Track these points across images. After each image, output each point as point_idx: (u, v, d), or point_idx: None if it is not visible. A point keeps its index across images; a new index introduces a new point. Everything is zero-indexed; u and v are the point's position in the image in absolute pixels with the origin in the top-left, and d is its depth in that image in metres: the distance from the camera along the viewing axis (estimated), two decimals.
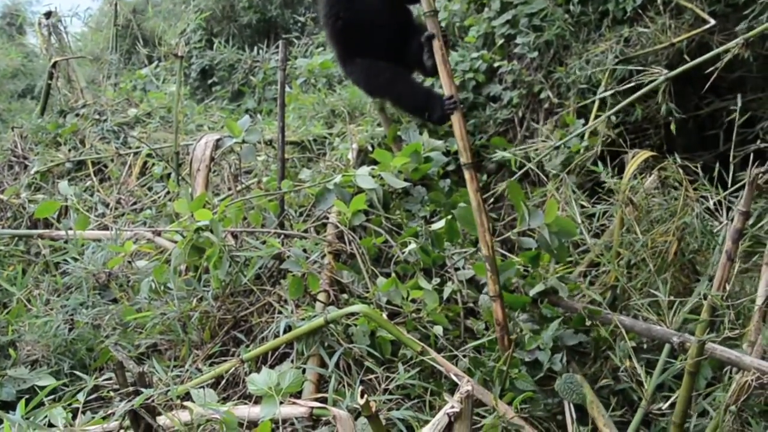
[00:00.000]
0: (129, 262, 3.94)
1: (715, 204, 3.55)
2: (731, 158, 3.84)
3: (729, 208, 3.49)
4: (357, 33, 3.93)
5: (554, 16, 5.65)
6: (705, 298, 2.78)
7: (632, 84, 4.51)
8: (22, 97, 9.79)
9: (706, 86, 4.22)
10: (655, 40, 5.16)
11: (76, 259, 4.02)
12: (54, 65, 6.13)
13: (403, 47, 4.10)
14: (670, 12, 5.18)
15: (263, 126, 5.52)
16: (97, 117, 5.90)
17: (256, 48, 7.79)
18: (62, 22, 6.36)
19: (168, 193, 4.95)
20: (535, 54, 5.78)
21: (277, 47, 7.73)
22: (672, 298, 3.11)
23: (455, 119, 3.10)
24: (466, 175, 3.03)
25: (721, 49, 4.09)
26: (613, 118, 4.64)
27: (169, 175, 5.02)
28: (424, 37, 3.36)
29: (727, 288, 2.74)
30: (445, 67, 3.15)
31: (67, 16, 6.74)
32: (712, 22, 4.80)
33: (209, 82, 8.19)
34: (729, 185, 3.68)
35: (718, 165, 3.74)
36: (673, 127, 4.51)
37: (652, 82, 4.29)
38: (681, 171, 3.55)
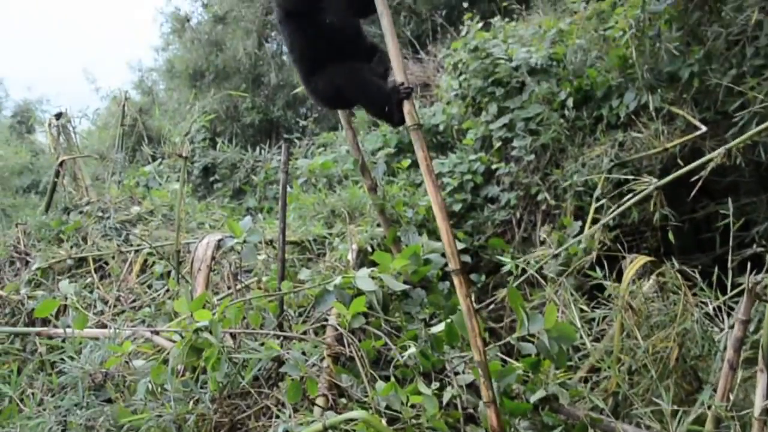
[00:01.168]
0: (126, 361, 3.90)
1: (714, 309, 3.55)
2: (729, 262, 3.87)
3: (729, 314, 3.49)
4: (320, 48, 3.70)
5: (550, 121, 5.81)
6: (709, 408, 2.75)
7: (627, 188, 4.58)
8: (27, 192, 9.91)
9: (698, 191, 4.27)
10: (648, 144, 5.28)
11: (72, 358, 3.98)
12: (61, 164, 6.24)
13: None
14: (663, 118, 5.33)
15: (264, 225, 5.58)
16: (100, 214, 5.95)
17: (258, 148, 7.95)
18: (71, 122, 6.52)
19: (168, 291, 4.94)
20: (532, 157, 5.91)
21: (279, 147, 7.91)
22: (675, 406, 3.07)
23: (442, 227, 3.12)
24: (455, 281, 3.04)
25: (708, 157, 4.19)
26: (610, 221, 4.69)
27: (169, 273, 5.03)
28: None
29: (731, 397, 2.71)
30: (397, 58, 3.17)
31: (77, 116, 6.91)
32: (704, 128, 4.93)
33: (211, 179, 8.31)
34: (728, 290, 3.69)
35: (716, 269, 3.76)
36: (671, 235, 4.57)
37: (644, 189, 4.36)
38: (679, 276, 3.57)
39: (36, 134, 13.14)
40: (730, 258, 3.95)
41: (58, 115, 6.50)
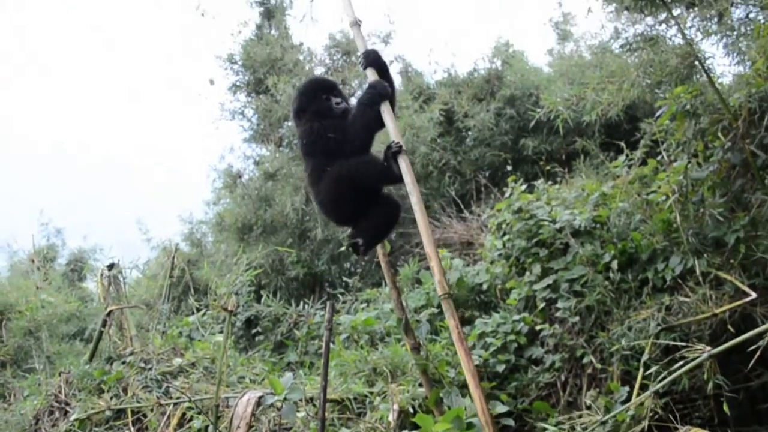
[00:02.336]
0: None
1: None
2: None
3: None
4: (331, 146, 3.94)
5: (594, 282, 5.78)
6: None
7: (678, 355, 4.46)
8: (73, 339, 10.03)
9: (753, 360, 4.15)
10: (696, 309, 5.19)
11: None
12: (109, 313, 6.37)
13: None
14: (710, 283, 5.26)
15: (305, 381, 5.53)
16: (142, 365, 5.99)
17: (301, 302, 8.02)
18: (122, 272, 6.72)
19: None
20: (577, 318, 5.83)
21: (323, 302, 7.96)
22: None
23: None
24: None
25: (762, 328, 4.09)
26: (660, 388, 4.55)
27: (207, 428, 4.97)
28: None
29: None
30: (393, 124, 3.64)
31: (128, 267, 7.13)
32: (753, 295, 4.85)
33: (253, 332, 8.33)
34: None
35: None
36: (725, 406, 4.40)
37: (696, 357, 4.25)
38: None
39: (87, 282, 13.51)
40: None
41: (111, 266, 6.71)
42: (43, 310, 9.24)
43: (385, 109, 3.82)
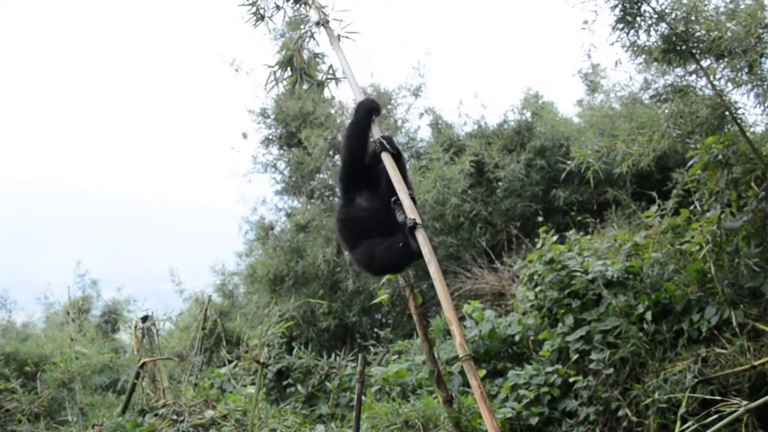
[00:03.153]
0: None
1: None
2: None
3: None
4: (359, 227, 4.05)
5: (628, 334, 5.72)
6: None
7: (712, 409, 4.38)
8: (105, 390, 10.08)
9: None
10: (734, 361, 5.10)
11: None
12: (142, 365, 6.41)
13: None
14: (747, 334, 5.18)
15: None
16: (174, 417, 6.00)
17: (333, 354, 8.01)
18: (155, 325, 6.78)
19: None
20: (611, 370, 5.76)
21: (354, 354, 7.94)
22: None
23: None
24: None
25: None
26: None
27: None
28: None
29: None
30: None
31: (161, 319, 7.18)
32: None
33: (284, 383, 8.31)
34: None
35: None
36: None
37: (733, 411, 4.16)
38: None
39: (120, 333, 13.62)
40: None
41: (145, 318, 6.78)
42: (77, 361, 9.30)
43: (395, 176, 3.81)
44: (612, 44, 5.68)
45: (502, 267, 9.47)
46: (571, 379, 5.97)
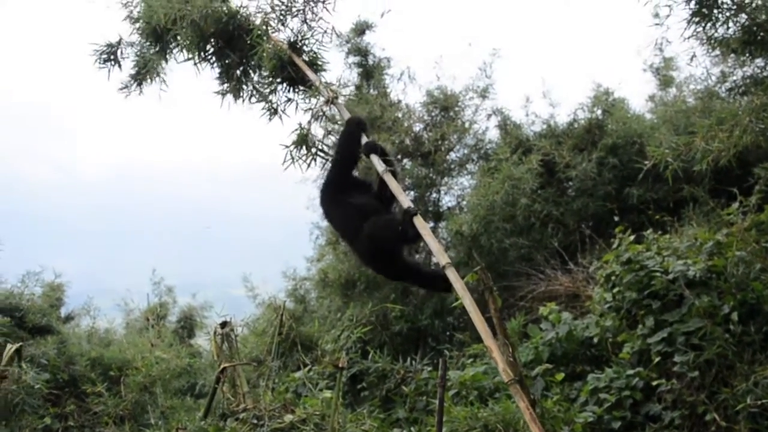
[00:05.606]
0: None
1: None
2: None
3: None
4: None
5: (713, 335, 5.56)
6: None
7: None
8: (183, 394, 10.33)
9: None
10: None
11: None
12: (222, 370, 6.53)
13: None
14: None
15: None
16: (255, 421, 6.09)
17: (408, 358, 8.00)
18: (233, 330, 6.90)
19: None
20: (696, 373, 5.60)
21: (430, 357, 7.92)
22: None
23: None
24: None
25: None
26: None
27: None
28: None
29: None
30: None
31: (238, 325, 7.31)
32: None
33: (358, 387, 8.36)
34: None
35: None
36: None
37: None
38: None
39: (196, 338, 13.92)
40: None
41: (223, 324, 6.91)
42: (157, 366, 9.57)
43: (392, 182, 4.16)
44: (687, 39, 5.55)
45: (576, 268, 9.31)
46: (654, 383, 5.82)
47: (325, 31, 4.82)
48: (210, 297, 15.45)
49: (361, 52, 12.50)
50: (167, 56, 5.43)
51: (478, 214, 10.25)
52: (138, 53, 5.63)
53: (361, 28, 12.45)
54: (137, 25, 5.48)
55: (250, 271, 14.65)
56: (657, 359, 5.91)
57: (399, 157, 11.84)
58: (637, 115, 11.51)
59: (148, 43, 5.49)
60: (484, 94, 12.17)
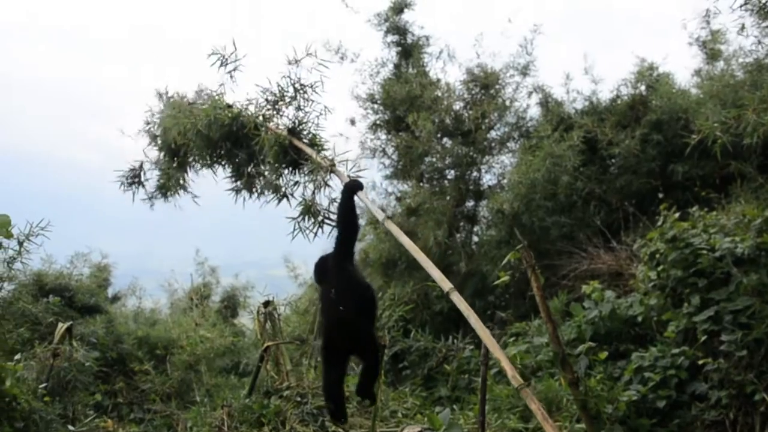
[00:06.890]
0: None
1: None
2: None
3: None
4: None
5: (763, 314, 5.45)
6: None
7: None
8: (228, 373, 10.50)
9: None
10: None
11: None
12: (266, 349, 6.62)
13: None
14: None
15: (459, 416, 5.51)
16: (298, 399, 6.17)
17: (450, 336, 8.01)
18: (276, 310, 6.98)
19: None
20: (744, 352, 5.51)
21: (470, 337, 7.92)
22: None
23: None
24: None
25: None
26: None
27: None
28: None
29: None
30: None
31: (282, 304, 7.39)
32: None
33: (400, 366, 8.40)
34: None
35: None
36: None
37: None
38: None
39: (239, 318, 14.12)
40: None
41: (267, 303, 6.99)
42: (202, 345, 9.73)
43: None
44: (737, 9, 5.40)
45: (619, 246, 9.19)
46: (700, 362, 5.74)
47: (320, 113, 5.17)
48: (252, 277, 15.64)
49: (400, 31, 12.43)
50: (187, 168, 5.98)
51: (519, 192, 10.17)
52: (161, 168, 6.18)
53: (399, 7, 12.37)
54: (158, 140, 6.09)
55: (290, 252, 14.78)
56: (703, 338, 5.83)
57: (438, 136, 11.78)
58: (683, 90, 11.25)
59: (167, 159, 6.05)
60: (524, 71, 12.02)
